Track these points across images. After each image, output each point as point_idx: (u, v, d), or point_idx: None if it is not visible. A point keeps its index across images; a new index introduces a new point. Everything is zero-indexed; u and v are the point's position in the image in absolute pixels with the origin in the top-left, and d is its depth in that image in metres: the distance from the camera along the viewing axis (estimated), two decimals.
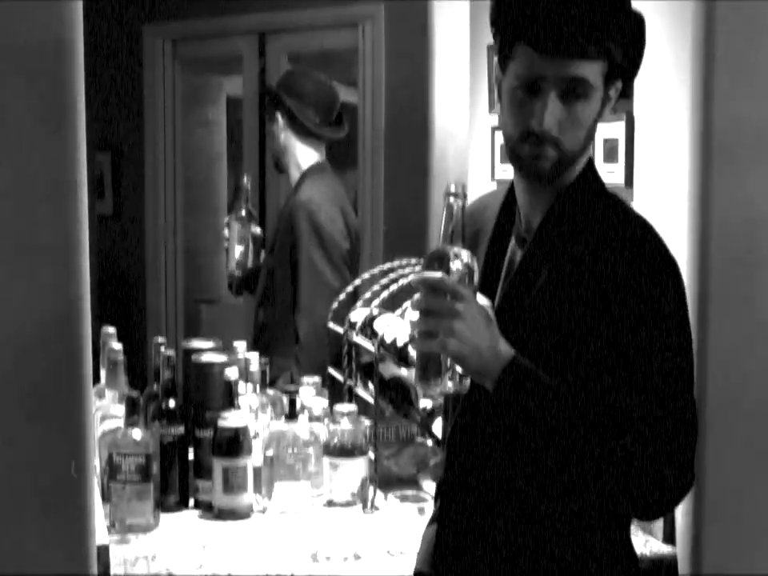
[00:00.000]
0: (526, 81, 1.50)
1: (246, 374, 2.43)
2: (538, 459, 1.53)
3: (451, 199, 1.50)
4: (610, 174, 2.38)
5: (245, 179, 3.25)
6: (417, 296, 1.46)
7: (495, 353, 1.47)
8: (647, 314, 1.47)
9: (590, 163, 1.61)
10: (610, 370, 1.47)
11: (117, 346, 2.45)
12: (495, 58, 1.57)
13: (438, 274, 1.45)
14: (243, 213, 3.22)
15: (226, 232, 3.25)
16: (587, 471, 1.47)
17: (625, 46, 1.51)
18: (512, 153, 1.57)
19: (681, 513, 2.11)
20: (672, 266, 1.51)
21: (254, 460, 2.27)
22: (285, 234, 3.12)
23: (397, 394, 2.38)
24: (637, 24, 1.55)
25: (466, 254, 1.48)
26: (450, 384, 1.48)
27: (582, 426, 1.45)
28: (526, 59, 1.50)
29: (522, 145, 1.53)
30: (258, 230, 3.25)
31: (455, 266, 1.47)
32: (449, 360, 1.46)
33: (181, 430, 2.29)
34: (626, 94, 1.62)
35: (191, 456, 2.33)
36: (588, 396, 1.47)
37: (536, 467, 1.54)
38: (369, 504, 2.30)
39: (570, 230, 1.55)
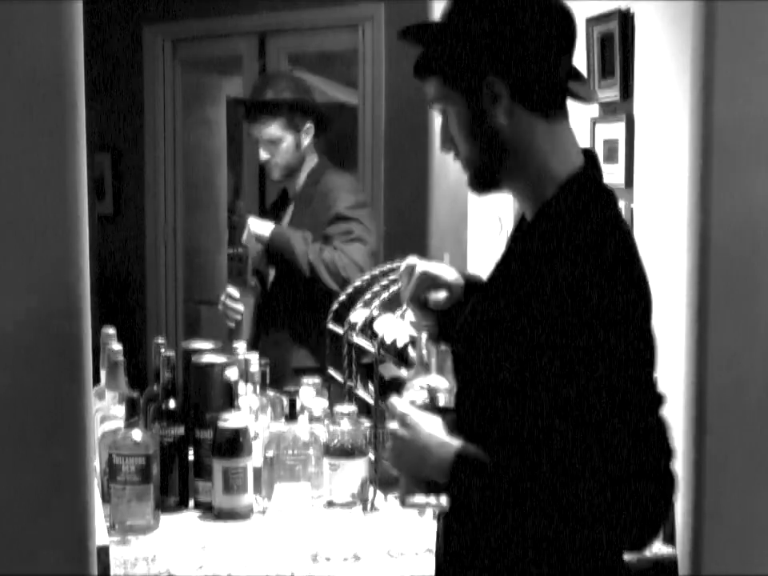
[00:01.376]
0: None
1: (246, 375, 2.43)
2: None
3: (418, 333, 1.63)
4: (610, 175, 2.38)
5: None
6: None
7: (434, 465, 1.56)
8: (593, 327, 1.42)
9: (579, 173, 1.56)
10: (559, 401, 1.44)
11: (117, 346, 2.45)
12: None
13: (395, 401, 1.68)
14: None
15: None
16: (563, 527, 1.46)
17: (452, 49, 1.56)
18: None
19: (681, 513, 2.11)
20: (630, 280, 1.48)
21: (253, 461, 2.27)
22: None
23: (397, 395, 2.37)
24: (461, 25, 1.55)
25: (433, 380, 1.57)
26: (424, 499, 1.62)
27: (541, 495, 1.44)
28: None
29: None
30: None
31: (417, 395, 1.73)
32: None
33: (181, 430, 2.29)
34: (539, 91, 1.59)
35: (191, 457, 2.33)
36: (538, 465, 1.46)
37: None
38: (369, 505, 2.30)
39: (541, 247, 1.53)
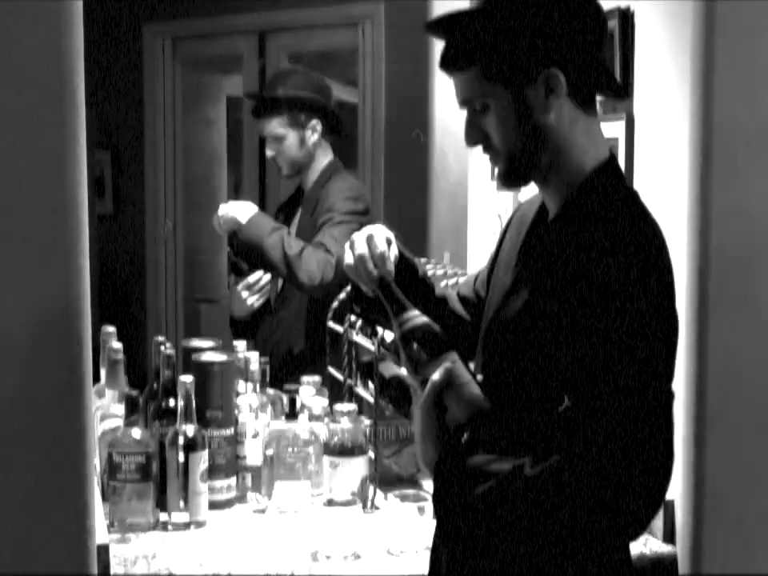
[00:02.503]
0: None
1: (246, 373, 2.43)
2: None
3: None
4: None
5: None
6: None
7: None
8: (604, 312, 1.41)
9: (605, 165, 1.56)
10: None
11: (117, 345, 2.45)
12: None
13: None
14: None
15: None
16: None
17: (497, 42, 1.51)
18: None
19: (681, 512, 2.11)
20: (644, 263, 1.44)
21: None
22: None
23: (397, 393, 2.38)
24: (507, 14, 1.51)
25: None
26: None
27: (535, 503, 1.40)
28: None
29: None
30: None
31: None
32: None
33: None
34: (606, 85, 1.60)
35: None
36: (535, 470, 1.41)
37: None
38: (369, 503, 2.30)
39: (569, 231, 1.54)
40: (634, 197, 1.56)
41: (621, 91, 1.64)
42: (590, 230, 1.47)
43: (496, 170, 1.61)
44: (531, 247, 1.64)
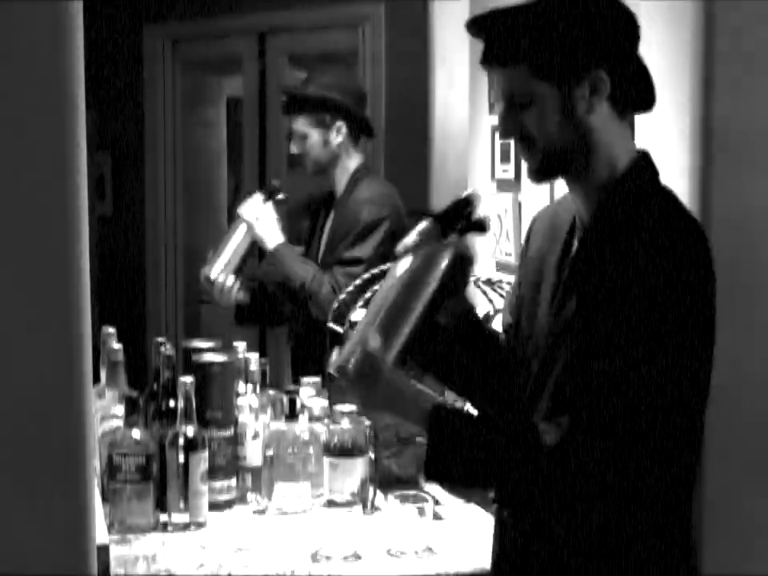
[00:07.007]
0: None
1: (246, 374, 2.43)
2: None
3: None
4: None
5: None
6: None
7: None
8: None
9: (638, 160, 1.62)
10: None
11: (117, 345, 2.45)
12: None
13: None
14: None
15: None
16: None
17: (548, 41, 1.54)
18: None
19: None
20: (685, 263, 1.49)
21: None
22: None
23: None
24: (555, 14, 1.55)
25: None
26: None
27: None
28: None
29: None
30: None
31: None
32: None
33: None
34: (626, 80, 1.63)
35: None
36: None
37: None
38: (369, 504, 2.30)
39: (608, 232, 1.57)
40: (668, 196, 1.60)
41: (653, 102, 1.68)
42: (633, 236, 1.52)
43: (527, 165, 1.64)
44: (573, 257, 1.64)
